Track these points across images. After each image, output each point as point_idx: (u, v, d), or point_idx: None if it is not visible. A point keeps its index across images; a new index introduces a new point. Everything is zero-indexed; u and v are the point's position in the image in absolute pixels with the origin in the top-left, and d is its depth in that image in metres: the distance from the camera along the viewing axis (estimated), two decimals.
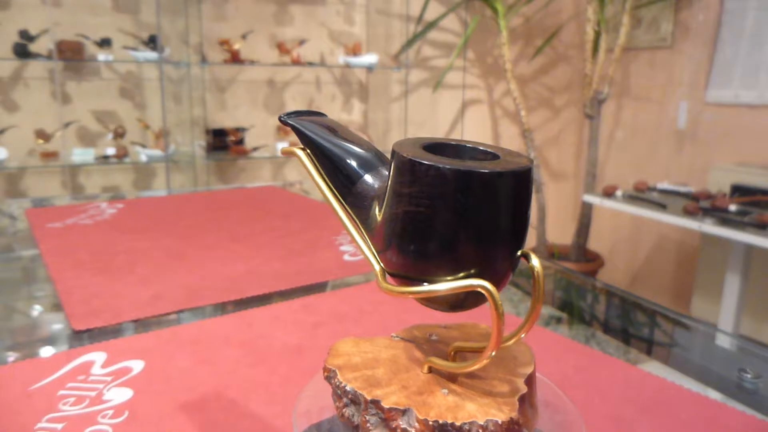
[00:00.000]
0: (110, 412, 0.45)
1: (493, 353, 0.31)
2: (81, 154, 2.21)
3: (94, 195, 1.35)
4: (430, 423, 0.30)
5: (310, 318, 0.64)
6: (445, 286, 0.32)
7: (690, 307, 2.38)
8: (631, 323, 0.70)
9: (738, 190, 2.09)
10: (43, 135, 2.14)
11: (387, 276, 0.35)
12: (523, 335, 0.34)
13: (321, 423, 0.39)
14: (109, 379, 0.51)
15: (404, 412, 0.31)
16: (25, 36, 2.05)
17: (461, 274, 0.32)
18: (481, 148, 0.36)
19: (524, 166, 0.33)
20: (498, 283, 0.33)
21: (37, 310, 0.69)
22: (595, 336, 0.64)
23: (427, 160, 0.32)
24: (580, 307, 0.76)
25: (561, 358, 0.55)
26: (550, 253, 2.85)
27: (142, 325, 0.63)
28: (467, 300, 0.34)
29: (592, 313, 0.74)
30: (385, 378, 0.34)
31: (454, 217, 0.31)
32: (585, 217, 2.72)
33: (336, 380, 0.34)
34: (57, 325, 0.63)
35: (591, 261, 2.77)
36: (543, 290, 0.32)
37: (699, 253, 2.37)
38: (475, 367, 0.32)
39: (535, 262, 0.32)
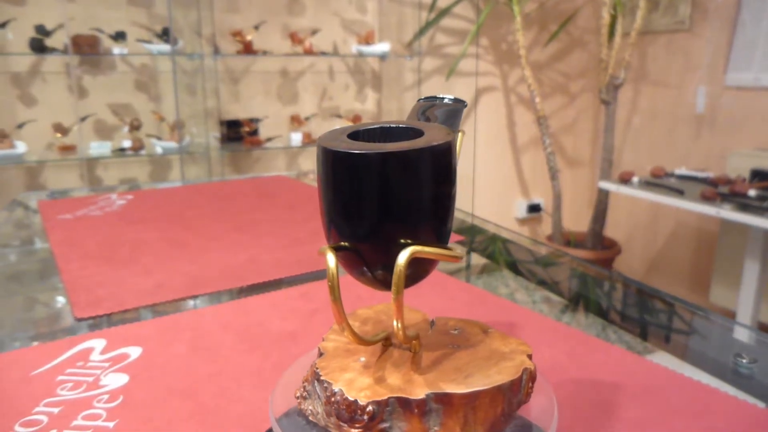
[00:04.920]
0: (106, 396, 0.47)
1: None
2: (98, 147, 2.25)
3: (111, 187, 1.37)
4: (314, 369, 0.36)
5: (308, 305, 0.65)
6: (323, 251, 0.35)
7: (708, 294, 2.35)
8: (638, 312, 0.69)
9: (757, 175, 2.05)
10: (60, 129, 2.18)
11: None
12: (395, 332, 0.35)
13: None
14: (106, 365, 0.52)
15: (321, 355, 0.39)
16: (41, 31, 2.08)
17: (340, 245, 0.35)
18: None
19: (391, 150, 0.32)
20: (375, 262, 0.34)
21: (43, 299, 0.70)
22: (603, 325, 0.63)
23: (323, 143, 0.34)
24: (588, 297, 0.75)
25: (554, 344, 0.55)
26: (566, 241, 2.83)
27: (144, 313, 0.64)
28: (385, 281, 0.35)
29: (601, 302, 0.74)
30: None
31: (323, 191, 0.35)
32: (601, 204, 2.69)
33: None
34: (62, 313, 0.65)
35: (608, 248, 2.74)
36: (402, 285, 0.32)
37: (717, 240, 2.33)
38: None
39: (401, 257, 0.32)
